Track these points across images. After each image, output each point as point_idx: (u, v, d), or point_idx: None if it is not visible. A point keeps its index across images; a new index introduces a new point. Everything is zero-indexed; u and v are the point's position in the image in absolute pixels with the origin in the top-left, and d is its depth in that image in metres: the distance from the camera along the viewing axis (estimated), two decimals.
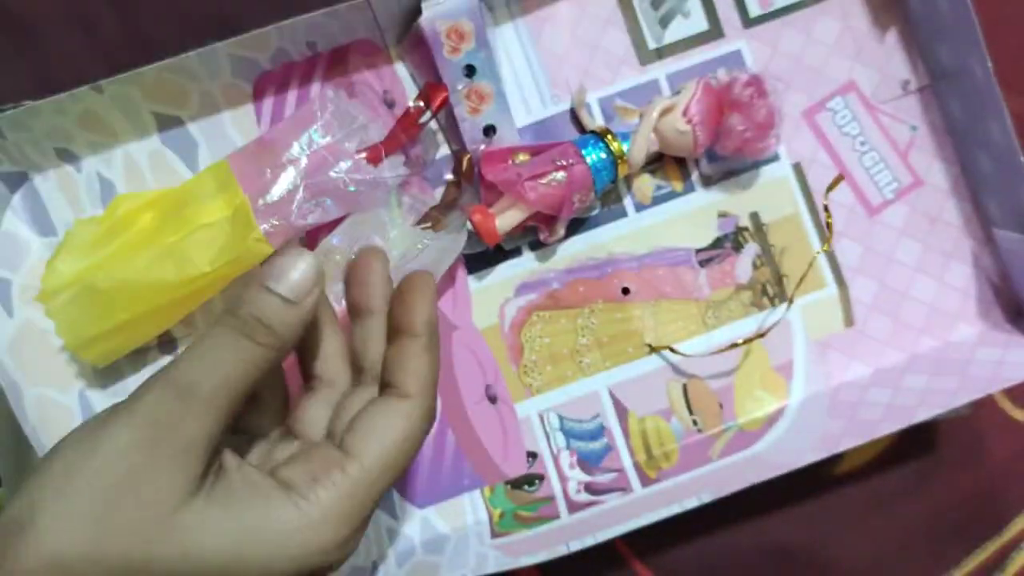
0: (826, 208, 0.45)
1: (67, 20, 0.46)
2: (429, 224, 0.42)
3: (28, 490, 0.28)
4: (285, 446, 0.35)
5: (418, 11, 0.41)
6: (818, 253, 0.46)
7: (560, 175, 0.41)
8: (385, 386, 0.33)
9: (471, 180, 0.43)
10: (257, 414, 0.35)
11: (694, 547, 0.48)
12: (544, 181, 0.41)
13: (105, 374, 0.43)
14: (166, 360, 0.44)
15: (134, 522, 0.28)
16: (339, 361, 0.36)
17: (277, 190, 0.39)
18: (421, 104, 0.41)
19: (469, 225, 0.42)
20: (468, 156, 0.43)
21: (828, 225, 0.45)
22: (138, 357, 0.44)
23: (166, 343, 0.44)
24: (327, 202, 0.39)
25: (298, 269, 0.31)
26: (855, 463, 0.48)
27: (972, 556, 0.48)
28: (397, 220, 0.42)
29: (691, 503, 0.42)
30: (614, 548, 0.48)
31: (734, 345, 0.44)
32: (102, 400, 0.43)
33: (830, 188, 0.45)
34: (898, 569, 0.48)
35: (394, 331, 0.34)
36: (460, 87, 0.42)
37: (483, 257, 0.45)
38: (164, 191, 0.42)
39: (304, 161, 0.39)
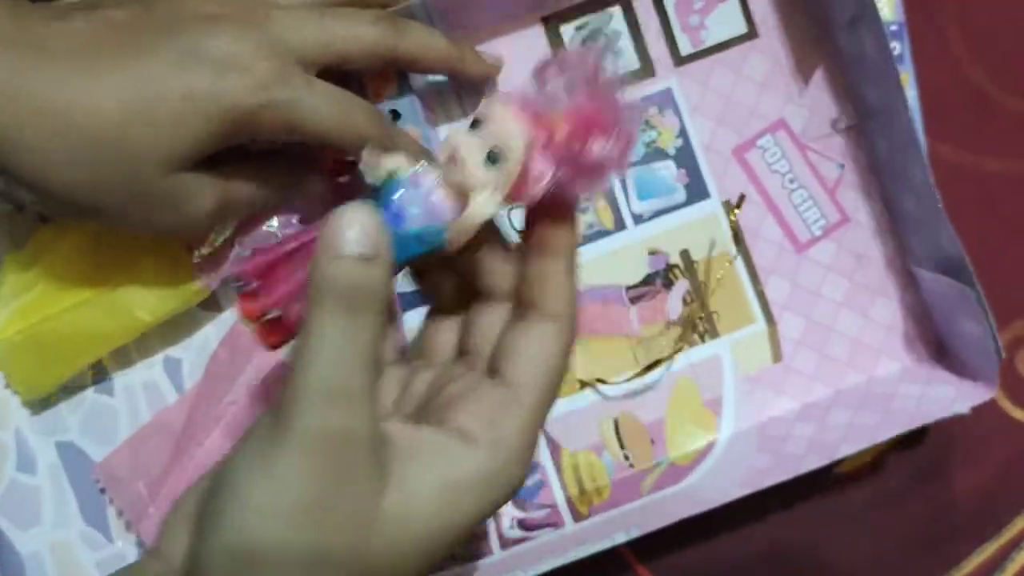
0: (733, 225, 0.46)
1: None
2: None
3: (218, 536, 0.27)
4: (421, 375, 0.34)
5: None
6: (730, 262, 0.46)
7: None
8: (527, 306, 0.32)
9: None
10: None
11: (694, 547, 0.48)
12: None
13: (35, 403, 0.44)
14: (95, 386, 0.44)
15: (343, 530, 0.27)
16: (444, 277, 0.35)
17: (211, 242, 0.40)
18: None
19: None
20: None
21: (735, 237, 0.46)
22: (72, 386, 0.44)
23: (99, 374, 0.44)
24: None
25: (355, 222, 0.28)
26: (855, 463, 0.48)
27: (972, 556, 0.48)
28: None
29: (620, 537, 0.43)
30: (614, 547, 0.48)
31: (648, 368, 0.45)
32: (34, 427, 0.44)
33: (736, 206, 0.46)
34: (898, 569, 0.48)
35: (535, 250, 0.32)
36: None
37: (417, 296, 0.46)
38: (95, 232, 0.42)
39: None
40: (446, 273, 0.34)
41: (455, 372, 0.33)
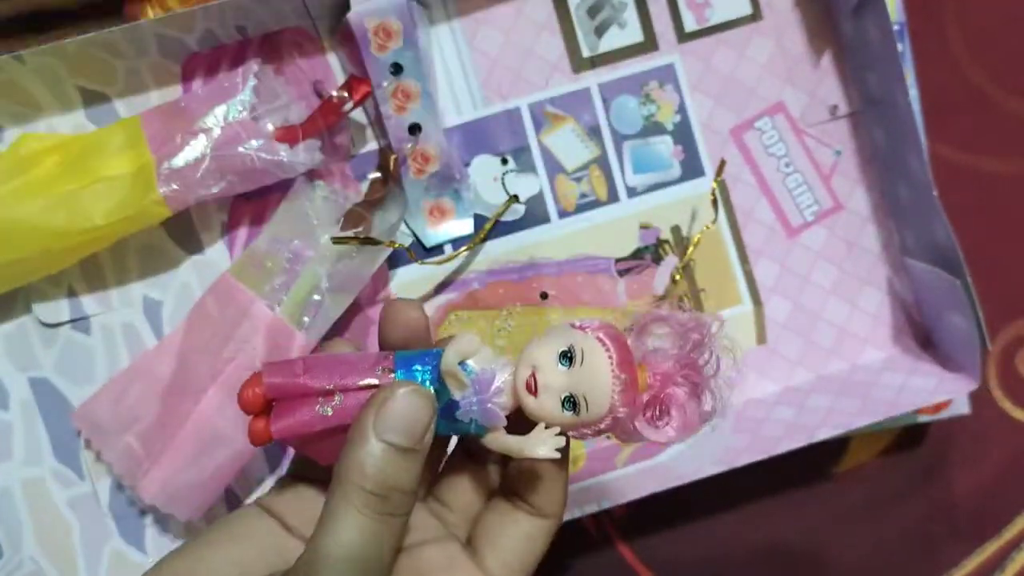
0: (713, 192, 0.45)
1: None
2: (354, 224, 0.42)
3: None
4: (425, 521, 0.32)
5: (348, 4, 0.41)
6: (708, 226, 0.46)
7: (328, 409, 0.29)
8: (519, 498, 0.31)
9: (396, 178, 0.43)
10: None
11: (694, 547, 0.48)
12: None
13: None
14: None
15: None
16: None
17: (184, 156, 0.39)
18: (345, 94, 0.41)
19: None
20: (394, 155, 0.43)
21: (714, 202, 0.45)
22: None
23: (75, 311, 0.44)
24: (231, 177, 0.39)
25: (408, 406, 0.27)
26: (855, 463, 0.49)
27: (972, 556, 0.49)
28: (322, 215, 0.42)
29: (591, 508, 0.43)
30: (615, 548, 0.48)
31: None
32: (7, 362, 0.43)
33: (718, 172, 0.46)
34: (898, 569, 0.48)
35: (517, 494, 0.31)
36: (386, 84, 0.42)
37: (404, 254, 0.45)
38: (71, 137, 0.41)
39: (217, 132, 0.40)
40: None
41: (429, 522, 0.32)
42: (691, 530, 0.48)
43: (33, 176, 0.39)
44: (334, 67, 0.44)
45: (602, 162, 0.46)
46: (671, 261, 0.46)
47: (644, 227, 0.46)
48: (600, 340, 0.28)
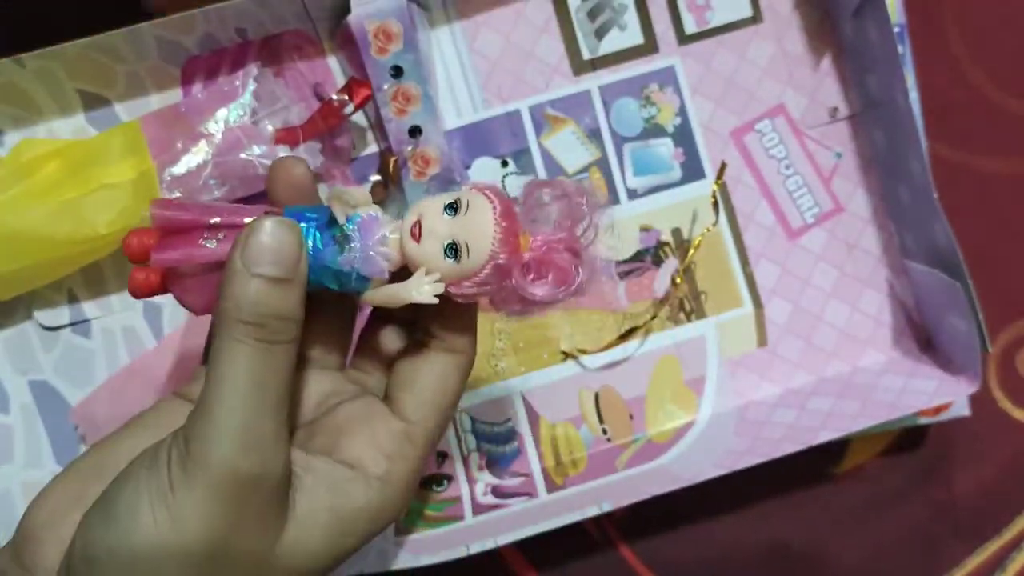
0: (714, 195, 0.46)
1: None
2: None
3: (92, 565, 0.26)
4: (314, 378, 0.33)
5: (348, 6, 0.41)
6: (709, 228, 0.46)
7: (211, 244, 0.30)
8: (429, 336, 0.31)
9: (397, 181, 0.43)
10: (317, 348, 0.33)
11: (695, 548, 0.48)
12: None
13: None
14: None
15: (237, 572, 0.27)
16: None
17: (185, 163, 0.39)
18: (345, 97, 0.41)
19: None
20: (395, 158, 0.43)
21: (715, 205, 0.46)
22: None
23: (76, 314, 0.44)
24: (233, 182, 0.39)
25: (273, 237, 0.27)
26: (855, 463, 0.49)
27: (972, 556, 0.49)
28: None
29: (592, 511, 0.43)
30: (616, 549, 0.48)
31: (626, 335, 0.45)
32: (7, 365, 0.43)
33: (719, 175, 0.46)
34: (898, 569, 0.48)
35: (433, 337, 0.32)
36: (386, 87, 0.42)
37: None
38: (71, 142, 0.41)
39: (218, 137, 0.40)
40: None
41: (348, 388, 0.32)
42: (692, 531, 0.48)
43: (34, 183, 0.39)
44: (334, 70, 0.44)
45: (602, 164, 0.46)
46: (671, 263, 0.46)
47: (644, 229, 0.46)
48: (485, 195, 0.28)
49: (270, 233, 0.27)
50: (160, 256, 0.29)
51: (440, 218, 0.28)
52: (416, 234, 0.28)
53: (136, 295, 0.30)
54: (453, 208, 0.28)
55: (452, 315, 0.31)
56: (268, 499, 0.27)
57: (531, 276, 0.28)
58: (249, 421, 0.26)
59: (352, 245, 0.29)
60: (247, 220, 0.29)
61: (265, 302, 0.27)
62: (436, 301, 0.28)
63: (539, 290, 0.28)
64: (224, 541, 0.26)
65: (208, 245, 0.29)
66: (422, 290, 0.28)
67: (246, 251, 0.27)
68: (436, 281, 0.28)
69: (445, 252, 0.28)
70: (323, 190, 0.43)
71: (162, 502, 0.26)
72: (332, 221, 0.29)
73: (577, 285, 0.29)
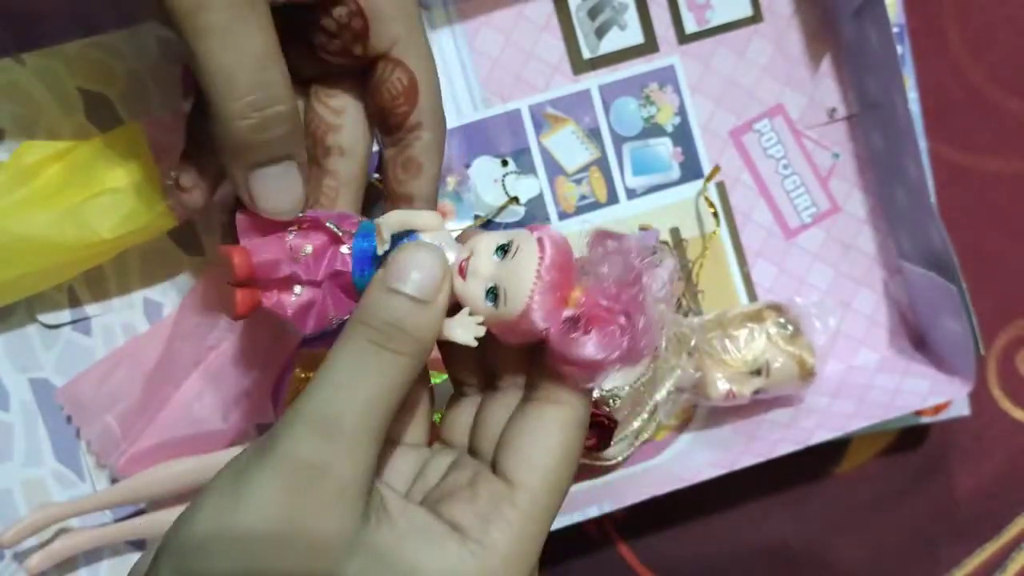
0: (708, 200, 0.46)
1: None
2: None
3: (170, 552, 0.26)
4: (438, 459, 0.31)
5: None
6: (714, 232, 0.46)
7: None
8: (531, 388, 0.29)
9: None
10: (403, 423, 0.31)
11: (695, 547, 0.48)
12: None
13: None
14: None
15: (300, 567, 0.25)
16: (468, 362, 0.32)
17: None
18: None
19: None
20: None
21: (714, 214, 0.46)
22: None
23: (76, 312, 0.44)
24: None
25: (422, 264, 0.27)
26: (855, 463, 0.49)
27: (972, 556, 0.49)
28: None
29: (592, 511, 0.43)
30: (615, 549, 0.48)
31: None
32: (8, 363, 0.43)
33: (708, 178, 0.46)
34: (898, 569, 0.49)
35: (544, 394, 0.29)
36: None
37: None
38: (73, 145, 0.41)
39: None
40: (470, 358, 0.32)
41: (464, 460, 0.30)
42: (692, 531, 0.48)
43: (37, 187, 0.39)
44: None
45: (602, 164, 0.46)
46: (670, 263, 0.46)
47: (643, 229, 0.46)
48: (540, 241, 0.27)
49: (418, 254, 0.27)
50: (253, 261, 0.30)
51: (488, 258, 0.28)
52: (463, 270, 0.28)
53: (241, 316, 0.31)
54: (503, 250, 0.27)
55: (544, 362, 0.28)
56: (336, 496, 0.26)
57: (576, 333, 0.27)
58: (328, 408, 0.26)
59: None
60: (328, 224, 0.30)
61: (393, 310, 0.27)
62: (474, 343, 0.27)
63: (581, 349, 0.26)
64: (285, 525, 0.25)
65: (303, 251, 0.30)
66: (461, 330, 0.27)
67: (391, 269, 0.27)
68: (478, 323, 0.27)
69: (486, 295, 0.27)
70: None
71: (233, 484, 0.26)
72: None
73: (624, 349, 0.27)
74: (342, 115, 0.33)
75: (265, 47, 0.28)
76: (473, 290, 0.28)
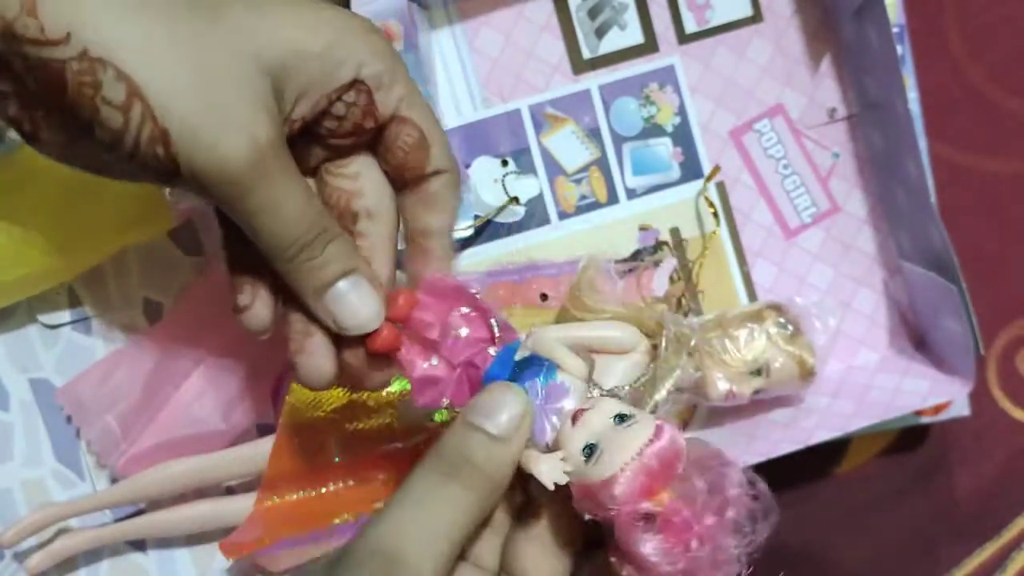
0: (708, 200, 0.46)
1: None
2: None
3: None
4: None
5: (347, 6, 0.41)
6: (714, 232, 0.46)
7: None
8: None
9: None
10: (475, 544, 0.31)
11: None
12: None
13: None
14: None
15: None
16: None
17: None
18: None
19: None
20: None
21: (714, 214, 0.46)
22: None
23: (76, 313, 0.44)
24: None
25: (506, 406, 0.28)
26: (855, 462, 0.49)
27: (972, 556, 0.49)
28: None
29: None
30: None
31: None
32: (8, 364, 0.43)
33: (708, 178, 0.46)
34: (898, 569, 0.49)
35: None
36: None
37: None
38: None
39: None
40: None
41: None
42: None
43: (38, 189, 0.39)
44: None
45: (602, 164, 0.46)
46: (670, 262, 0.47)
47: (643, 229, 0.46)
48: (659, 428, 0.27)
49: (505, 397, 0.28)
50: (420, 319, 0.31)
51: (604, 419, 0.28)
52: (576, 418, 0.28)
53: (375, 351, 0.31)
54: (622, 418, 0.28)
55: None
56: None
57: (645, 527, 0.26)
58: (389, 540, 0.26)
59: (531, 398, 0.29)
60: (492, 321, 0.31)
61: (467, 444, 0.28)
62: (551, 486, 0.27)
63: (642, 545, 0.26)
64: None
65: (459, 331, 0.31)
66: (541, 467, 0.28)
67: (476, 405, 0.28)
68: (565, 471, 0.27)
69: (584, 448, 0.27)
70: None
71: None
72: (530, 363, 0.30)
73: (678, 570, 0.26)
74: (359, 179, 0.33)
75: (305, 195, 0.29)
76: (576, 438, 0.28)
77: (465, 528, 0.27)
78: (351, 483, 0.43)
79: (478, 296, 0.32)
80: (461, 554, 0.29)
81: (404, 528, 0.27)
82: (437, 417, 0.39)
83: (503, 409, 0.28)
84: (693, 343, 0.42)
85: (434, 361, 0.32)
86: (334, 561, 0.27)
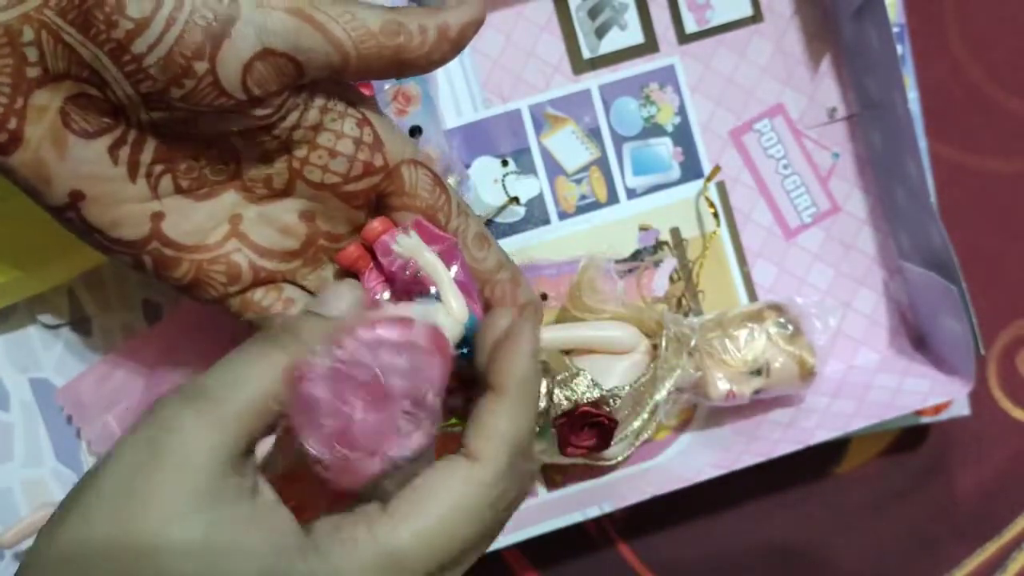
0: (708, 200, 0.46)
1: None
2: None
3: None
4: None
5: None
6: (715, 232, 0.46)
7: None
8: (459, 445, 0.29)
9: None
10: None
11: (695, 547, 0.48)
12: None
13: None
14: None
15: (129, 527, 0.24)
16: None
17: None
18: None
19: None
20: None
21: (714, 214, 0.46)
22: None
23: (76, 313, 0.44)
24: None
25: (343, 297, 0.29)
26: (855, 463, 0.49)
27: (972, 556, 0.49)
28: None
29: (592, 511, 0.43)
30: (616, 549, 0.48)
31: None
32: (8, 363, 0.43)
33: (708, 178, 0.46)
34: (898, 569, 0.49)
35: (483, 383, 0.29)
36: (387, 87, 0.42)
37: None
38: None
39: None
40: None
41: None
42: (692, 530, 0.48)
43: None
44: None
45: (602, 164, 0.46)
46: (670, 262, 0.47)
47: (643, 228, 0.46)
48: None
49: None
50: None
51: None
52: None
53: (341, 265, 0.33)
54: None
55: (487, 415, 0.29)
56: (187, 455, 0.25)
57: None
58: (210, 382, 0.26)
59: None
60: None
61: (295, 322, 0.29)
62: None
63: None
64: (134, 479, 0.25)
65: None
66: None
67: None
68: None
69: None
70: None
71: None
72: None
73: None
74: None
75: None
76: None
77: (273, 390, 0.26)
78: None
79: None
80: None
81: (219, 376, 0.26)
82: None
83: (342, 300, 0.29)
84: (693, 343, 0.43)
85: (386, 295, 0.33)
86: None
